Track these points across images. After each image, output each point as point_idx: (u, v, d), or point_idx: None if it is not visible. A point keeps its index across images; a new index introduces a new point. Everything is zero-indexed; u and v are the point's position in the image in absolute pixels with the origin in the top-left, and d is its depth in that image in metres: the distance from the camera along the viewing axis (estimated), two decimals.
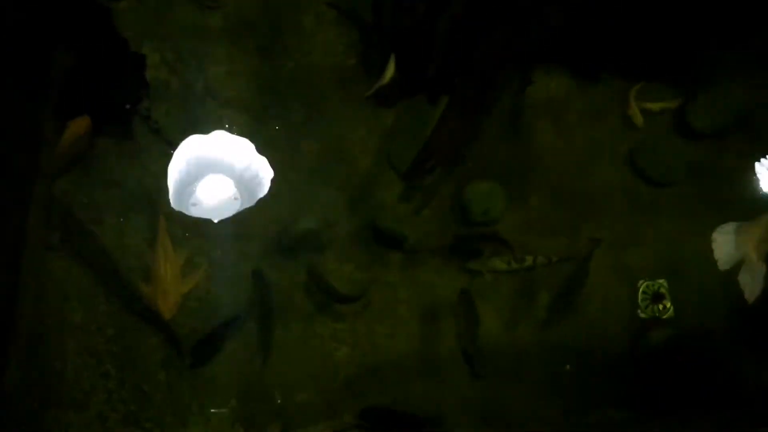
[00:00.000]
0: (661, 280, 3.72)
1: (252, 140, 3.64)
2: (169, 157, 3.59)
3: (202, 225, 3.58)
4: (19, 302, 3.42)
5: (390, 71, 3.74)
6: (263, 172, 3.40)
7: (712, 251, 3.44)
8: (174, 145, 3.59)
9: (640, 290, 3.71)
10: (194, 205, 3.39)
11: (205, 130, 3.65)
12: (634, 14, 3.61)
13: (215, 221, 3.42)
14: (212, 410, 3.44)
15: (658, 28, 3.65)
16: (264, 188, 3.40)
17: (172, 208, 3.46)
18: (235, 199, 3.42)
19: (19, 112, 3.53)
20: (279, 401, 3.49)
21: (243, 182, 3.40)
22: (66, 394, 3.41)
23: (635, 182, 3.84)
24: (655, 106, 3.88)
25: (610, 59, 3.89)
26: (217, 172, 3.37)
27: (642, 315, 3.69)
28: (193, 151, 3.32)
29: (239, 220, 3.54)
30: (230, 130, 3.69)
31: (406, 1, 3.75)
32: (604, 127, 3.91)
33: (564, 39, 3.72)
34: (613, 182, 3.85)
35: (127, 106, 3.61)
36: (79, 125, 3.48)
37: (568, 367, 3.62)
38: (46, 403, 3.38)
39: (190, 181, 3.34)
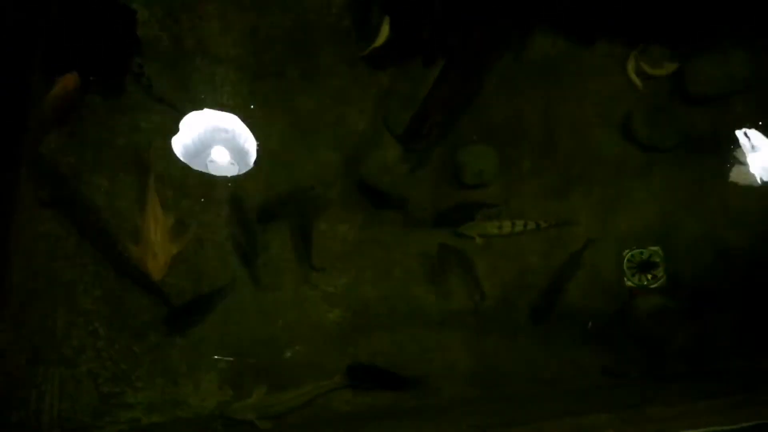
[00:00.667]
0: (654, 248, 3.72)
1: (245, 99, 3.65)
2: (160, 115, 3.58)
3: (191, 187, 3.56)
4: (10, 260, 3.41)
5: (384, 33, 3.69)
6: (249, 143, 3.64)
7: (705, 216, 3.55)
8: (166, 103, 3.57)
9: (626, 259, 3.71)
10: (211, 162, 3.62)
11: (197, 88, 3.64)
12: None
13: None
14: (201, 371, 3.46)
15: None
16: (251, 157, 3.62)
17: (162, 168, 3.55)
18: (232, 164, 3.61)
19: (6, 67, 3.45)
20: (288, 354, 3.51)
21: (236, 151, 3.63)
22: (56, 351, 3.41)
23: (629, 147, 3.81)
24: (654, 71, 3.84)
25: (607, 21, 3.83)
26: (218, 142, 3.62)
27: (628, 283, 3.70)
28: (197, 126, 3.61)
29: (231, 185, 3.57)
30: (222, 88, 3.68)
31: None
32: (600, 91, 3.87)
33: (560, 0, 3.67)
34: (607, 146, 3.82)
35: (118, 63, 3.54)
36: (68, 81, 3.41)
37: (590, 324, 3.65)
38: (36, 360, 3.38)
39: (199, 150, 3.61)
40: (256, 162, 3.65)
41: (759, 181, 3.70)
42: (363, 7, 3.86)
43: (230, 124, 3.66)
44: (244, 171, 3.63)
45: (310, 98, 3.77)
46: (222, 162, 3.61)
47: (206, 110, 3.63)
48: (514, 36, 3.85)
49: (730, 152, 3.74)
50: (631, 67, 3.83)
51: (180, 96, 3.63)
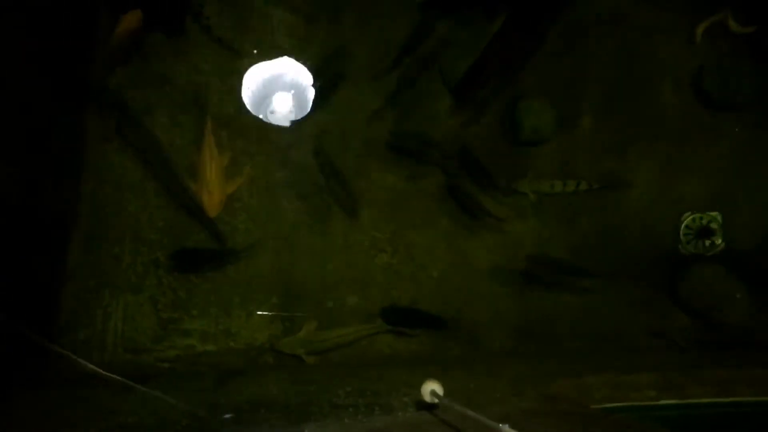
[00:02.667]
0: (713, 213, 3.59)
1: (302, 44, 3.62)
2: (219, 56, 3.62)
3: (246, 128, 3.63)
4: (80, 189, 3.60)
5: None
6: (308, 87, 3.67)
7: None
8: (224, 45, 3.60)
9: (684, 224, 3.61)
10: (272, 113, 3.72)
11: (256, 29, 3.63)
12: None
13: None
14: (253, 304, 3.63)
15: None
16: (309, 102, 3.66)
17: (219, 109, 3.62)
18: (291, 112, 3.70)
19: (73, 4, 3.52)
20: (324, 302, 3.63)
21: (295, 95, 3.69)
22: (121, 276, 3.62)
23: (695, 107, 3.67)
24: (742, 29, 3.62)
25: None
26: (279, 89, 3.69)
27: (682, 251, 3.61)
28: (263, 73, 3.66)
29: (287, 129, 3.63)
30: (278, 30, 3.67)
31: None
32: (668, 46, 3.70)
33: None
34: (672, 105, 3.69)
35: (180, 1, 3.57)
36: (132, 19, 3.46)
37: None
38: (103, 283, 3.60)
39: (262, 97, 3.68)
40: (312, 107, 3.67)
41: None
42: None
43: (290, 69, 3.70)
44: (300, 117, 3.67)
45: (365, 45, 3.72)
46: (283, 111, 3.67)
47: (269, 61, 3.66)
48: None
49: None
50: (704, 25, 3.60)
51: (238, 37, 3.64)
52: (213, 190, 3.54)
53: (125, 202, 3.64)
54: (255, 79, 3.63)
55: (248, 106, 3.63)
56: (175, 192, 3.60)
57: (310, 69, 3.66)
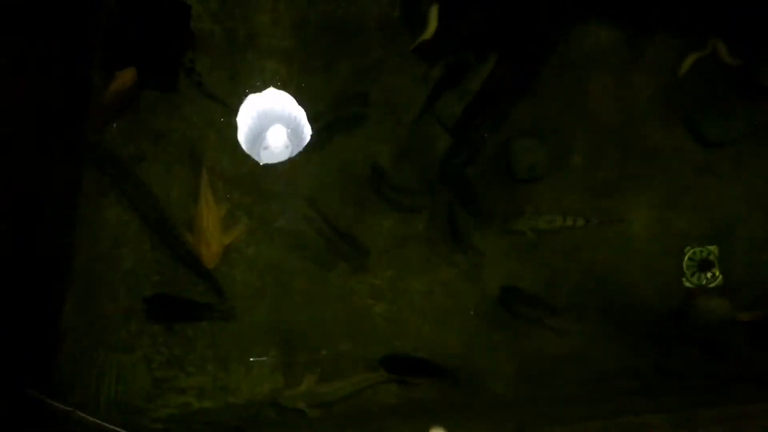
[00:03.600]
0: (711, 247, 3.59)
1: (296, 91, 3.67)
2: (211, 110, 3.65)
3: (242, 179, 3.63)
4: (75, 245, 3.56)
5: (432, 24, 3.65)
6: (304, 121, 3.63)
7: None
8: (216, 99, 3.64)
9: (686, 257, 3.60)
10: (265, 149, 3.66)
11: (248, 82, 3.68)
12: None
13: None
14: (252, 359, 3.55)
15: None
16: (307, 135, 3.63)
17: (214, 161, 3.64)
18: (287, 147, 3.65)
19: (68, 62, 3.58)
20: (324, 352, 3.56)
21: (291, 130, 3.65)
22: (116, 335, 3.54)
23: (688, 141, 3.69)
24: (732, 60, 3.68)
25: (666, 11, 3.69)
26: (275, 122, 3.65)
27: (687, 284, 3.59)
28: (257, 105, 3.63)
29: (281, 176, 3.61)
30: (273, 82, 3.71)
31: None
32: (658, 83, 3.74)
33: None
34: (664, 141, 3.71)
35: (172, 58, 3.62)
36: (126, 76, 3.52)
37: None
38: (97, 344, 3.53)
39: (258, 130, 3.65)
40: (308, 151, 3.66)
41: None
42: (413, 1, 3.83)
43: (284, 105, 3.69)
44: (297, 152, 3.64)
45: (359, 90, 3.76)
46: (277, 145, 3.64)
47: (260, 93, 3.66)
48: (569, 27, 3.74)
49: None
50: (692, 58, 3.67)
51: (231, 90, 3.68)
52: (210, 241, 3.52)
53: (121, 257, 3.61)
54: (250, 113, 3.64)
55: (242, 143, 3.62)
56: (171, 245, 3.58)
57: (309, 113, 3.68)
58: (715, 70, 3.70)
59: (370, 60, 3.80)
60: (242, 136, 3.63)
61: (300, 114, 3.64)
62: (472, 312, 3.60)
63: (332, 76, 3.78)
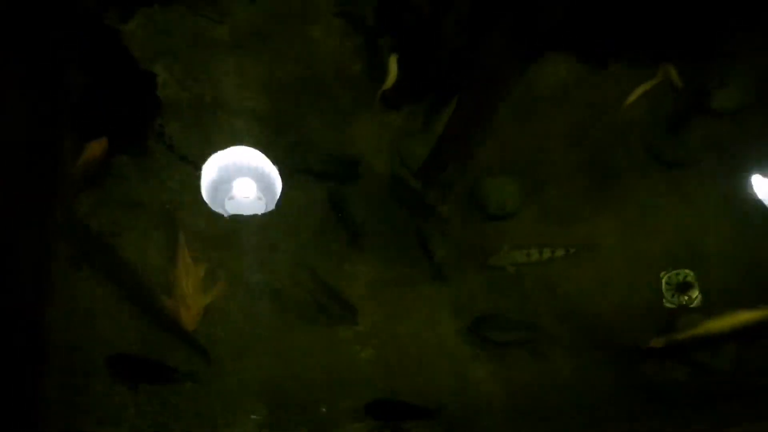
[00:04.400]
0: (686, 271, 3.66)
1: (268, 149, 3.71)
2: (184, 173, 3.68)
3: (220, 239, 3.64)
4: (50, 321, 3.50)
5: (392, 73, 3.77)
6: (275, 175, 3.65)
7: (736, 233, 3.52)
8: (188, 161, 3.67)
9: (664, 280, 3.65)
10: (231, 199, 3.62)
11: (218, 142, 3.73)
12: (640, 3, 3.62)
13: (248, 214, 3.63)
14: (239, 417, 3.46)
15: (666, 13, 3.64)
16: (278, 190, 3.64)
17: (190, 223, 3.64)
18: (260, 199, 3.63)
19: (38, 134, 3.59)
20: (312, 407, 3.49)
21: (263, 186, 3.64)
22: (99, 409, 3.45)
23: (652, 165, 3.80)
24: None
25: (620, 42, 3.85)
26: (244, 176, 3.63)
27: (668, 305, 3.63)
28: (222, 161, 3.62)
29: (256, 232, 3.62)
30: (244, 141, 3.76)
31: (410, 1, 3.75)
32: (614, 111, 3.87)
33: (570, 27, 3.69)
34: (629, 167, 3.82)
35: (142, 125, 3.67)
36: (96, 147, 3.55)
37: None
38: (81, 420, 3.42)
39: (222, 183, 3.62)
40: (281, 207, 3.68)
41: None
42: (372, 49, 3.96)
43: (253, 159, 3.70)
44: (270, 207, 3.65)
45: (328, 142, 3.84)
46: (246, 196, 3.62)
47: (226, 150, 3.68)
48: (525, 64, 3.88)
49: (750, 164, 3.71)
50: (642, 88, 3.84)
51: (202, 152, 3.72)
52: (190, 303, 3.48)
53: (99, 329, 3.54)
54: (214, 167, 3.64)
55: (204, 194, 3.60)
56: (150, 312, 3.53)
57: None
58: (670, 94, 3.85)
59: (338, 113, 3.89)
60: (204, 188, 3.62)
61: (271, 169, 3.67)
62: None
63: (302, 131, 3.85)
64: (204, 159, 3.68)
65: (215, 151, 3.70)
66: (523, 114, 3.87)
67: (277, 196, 3.64)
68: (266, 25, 3.98)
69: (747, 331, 3.34)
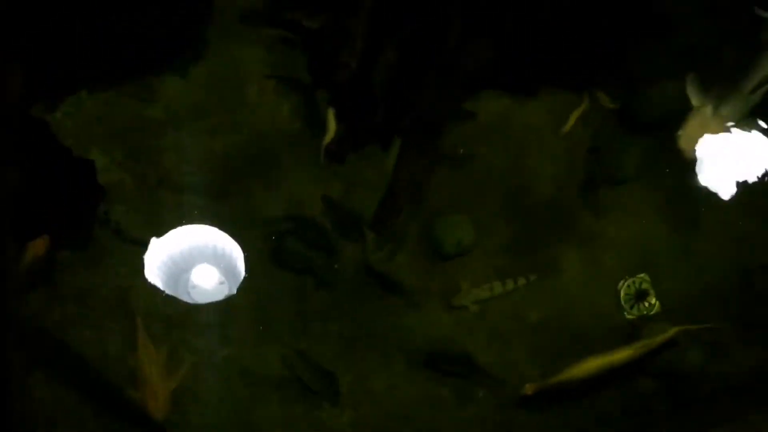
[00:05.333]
0: (641, 275, 3.76)
1: (214, 221, 3.67)
2: (135, 256, 3.59)
3: (179, 317, 3.55)
4: None
5: (331, 127, 3.81)
6: (236, 252, 3.61)
7: (683, 241, 3.74)
8: (138, 243, 3.59)
9: (622, 292, 3.74)
10: (193, 288, 3.60)
11: (167, 220, 3.67)
12: (560, 35, 3.80)
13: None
14: None
15: (584, 42, 3.85)
16: (241, 267, 3.60)
17: (146, 305, 3.54)
18: (222, 283, 3.61)
19: None
20: None
21: (223, 266, 3.61)
22: None
23: (593, 185, 3.92)
24: (611, 104, 4.04)
25: (546, 73, 4.01)
26: (201, 261, 3.61)
27: (629, 317, 3.72)
28: (173, 246, 3.58)
29: (217, 307, 3.55)
30: (190, 215, 3.71)
31: (338, 57, 3.81)
32: (551, 139, 4.00)
33: (498, 64, 3.83)
34: (572, 189, 3.93)
35: (84, 215, 3.58)
36: (38, 245, 3.43)
37: None
38: None
39: (179, 271, 3.58)
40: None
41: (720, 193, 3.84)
42: (310, 105, 3.99)
43: (210, 238, 3.66)
44: (235, 288, 3.59)
45: (277, 206, 3.82)
46: (210, 283, 3.58)
47: (179, 229, 3.64)
48: (461, 102, 3.99)
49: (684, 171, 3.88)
50: (574, 116, 4.00)
51: (151, 231, 3.65)
52: (157, 391, 3.36)
53: None
54: (163, 255, 3.58)
55: (163, 288, 3.54)
56: (115, 407, 3.39)
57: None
58: (598, 116, 4.02)
59: (283, 173, 3.88)
60: (159, 281, 3.55)
61: (229, 245, 3.64)
62: None
63: (250, 199, 3.82)
64: (155, 237, 3.62)
65: (165, 229, 3.65)
66: (462, 152, 3.95)
67: (241, 276, 3.59)
68: (200, 97, 3.97)
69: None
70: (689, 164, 3.82)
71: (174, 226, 3.65)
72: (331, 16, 3.92)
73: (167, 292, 3.56)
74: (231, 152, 3.90)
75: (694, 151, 3.76)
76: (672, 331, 3.52)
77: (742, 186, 3.82)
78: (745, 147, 3.84)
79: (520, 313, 3.74)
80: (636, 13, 3.92)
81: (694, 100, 3.77)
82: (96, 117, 3.85)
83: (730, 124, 3.77)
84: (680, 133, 3.76)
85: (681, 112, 3.82)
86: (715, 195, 3.83)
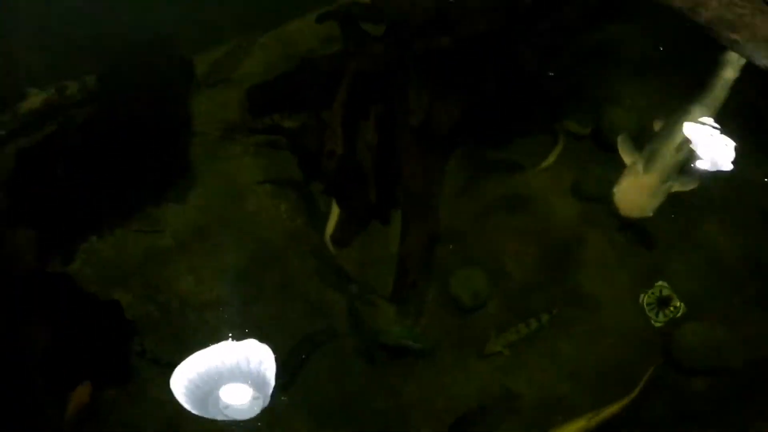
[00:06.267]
0: (658, 283, 3.86)
1: (239, 330, 3.80)
2: None
3: None
4: None
5: (333, 215, 4.00)
6: (266, 361, 3.66)
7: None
8: (173, 366, 3.68)
9: (644, 303, 3.84)
10: (227, 407, 3.58)
11: (198, 339, 3.77)
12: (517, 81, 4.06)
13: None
14: None
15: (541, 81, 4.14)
16: (272, 376, 3.65)
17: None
18: (256, 398, 3.61)
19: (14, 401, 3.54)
20: None
21: (254, 378, 3.63)
22: None
23: (588, 207, 4.11)
24: (582, 130, 4.28)
25: (514, 119, 4.27)
26: (230, 379, 3.61)
27: (657, 324, 3.79)
28: (199, 367, 3.60)
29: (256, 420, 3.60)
30: (218, 330, 3.83)
31: (323, 148, 4.01)
32: (541, 178, 4.21)
33: (468, 120, 4.07)
34: (573, 219, 4.10)
35: (121, 352, 3.70)
36: (82, 393, 3.52)
37: None
38: None
39: (208, 391, 3.57)
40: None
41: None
42: (307, 200, 4.19)
43: (236, 354, 3.72)
44: (269, 402, 3.62)
45: (297, 303, 3.95)
46: (242, 401, 3.61)
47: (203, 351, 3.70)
48: (441, 164, 4.20)
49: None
50: (556, 150, 4.24)
51: (186, 353, 3.73)
52: None
53: None
54: (188, 378, 3.62)
55: (192, 410, 3.54)
56: None
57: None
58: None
59: (296, 274, 4.02)
60: (188, 403, 3.56)
61: (257, 355, 3.70)
62: None
63: (269, 304, 3.94)
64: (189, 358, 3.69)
65: (198, 348, 3.74)
66: (462, 209, 4.16)
67: (271, 387, 3.63)
68: (201, 218, 4.18)
69: None
70: (625, 223, 3.86)
71: (206, 344, 3.74)
72: (308, 113, 4.19)
73: (201, 414, 3.56)
74: (242, 263, 4.06)
75: (630, 210, 3.69)
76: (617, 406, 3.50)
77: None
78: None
79: (552, 347, 3.80)
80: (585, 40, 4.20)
81: (626, 158, 3.79)
82: (111, 258, 4.04)
83: (663, 182, 3.69)
84: (614, 190, 3.70)
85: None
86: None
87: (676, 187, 3.64)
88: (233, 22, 4.85)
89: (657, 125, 3.97)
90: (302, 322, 3.88)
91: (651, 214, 3.58)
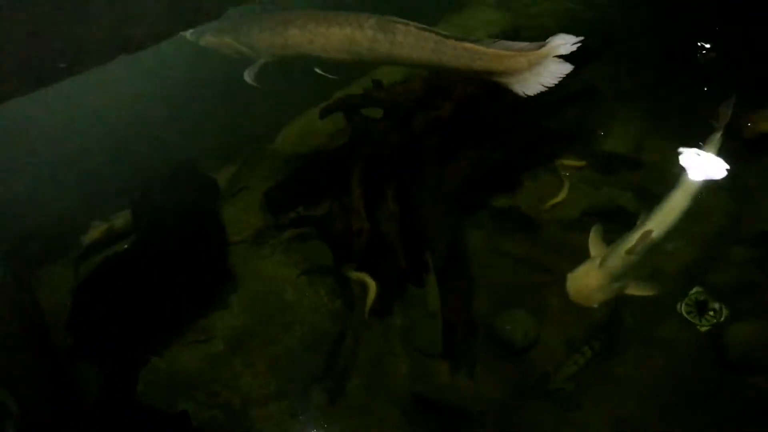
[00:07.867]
0: (694, 290, 3.94)
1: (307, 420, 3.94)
2: None
3: None
4: None
5: (372, 287, 4.16)
6: None
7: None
8: None
9: (683, 312, 3.92)
10: None
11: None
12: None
13: None
14: None
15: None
16: None
17: None
18: None
19: None
20: None
21: None
22: None
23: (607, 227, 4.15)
24: (577, 163, 4.62)
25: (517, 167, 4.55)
26: None
27: (703, 329, 3.86)
28: None
29: None
30: (284, 422, 3.91)
31: (350, 228, 4.23)
32: (558, 211, 4.44)
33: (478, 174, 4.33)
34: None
35: None
36: None
37: None
38: None
39: None
40: None
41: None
42: (342, 282, 4.37)
43: None
44: None
45: (354, 379, 4.07)
46: None
47: None
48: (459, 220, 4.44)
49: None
50: (561, 193, 4.51)
51: None
52: None
53: None
54: None
55: None
56: None
57: None
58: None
59: (344, 353, 4.15)
60: None
61: None
62: None
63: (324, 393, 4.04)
64: None
65: None
66: (492, 252, 4.38)
67: None
68: (248, 319, 4.36)
69: None
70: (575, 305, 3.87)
71: None
72: (329, 199, 4.44)
73: None
74: (293, 353, 4.19)
75: (576, 297, 3.71)
76: None
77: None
78: None
79: (609, 373, 3.85)
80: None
81: (592, 250, 3.85)
82: (171, 374, 4.18)
83: (614, 281, 3.69)
84: (568, 275, 3.74)
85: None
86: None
87: (631, 290, 3.69)
88: (240, 140, 5.32)
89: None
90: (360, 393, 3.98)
91: (596, 306, 3.67)
